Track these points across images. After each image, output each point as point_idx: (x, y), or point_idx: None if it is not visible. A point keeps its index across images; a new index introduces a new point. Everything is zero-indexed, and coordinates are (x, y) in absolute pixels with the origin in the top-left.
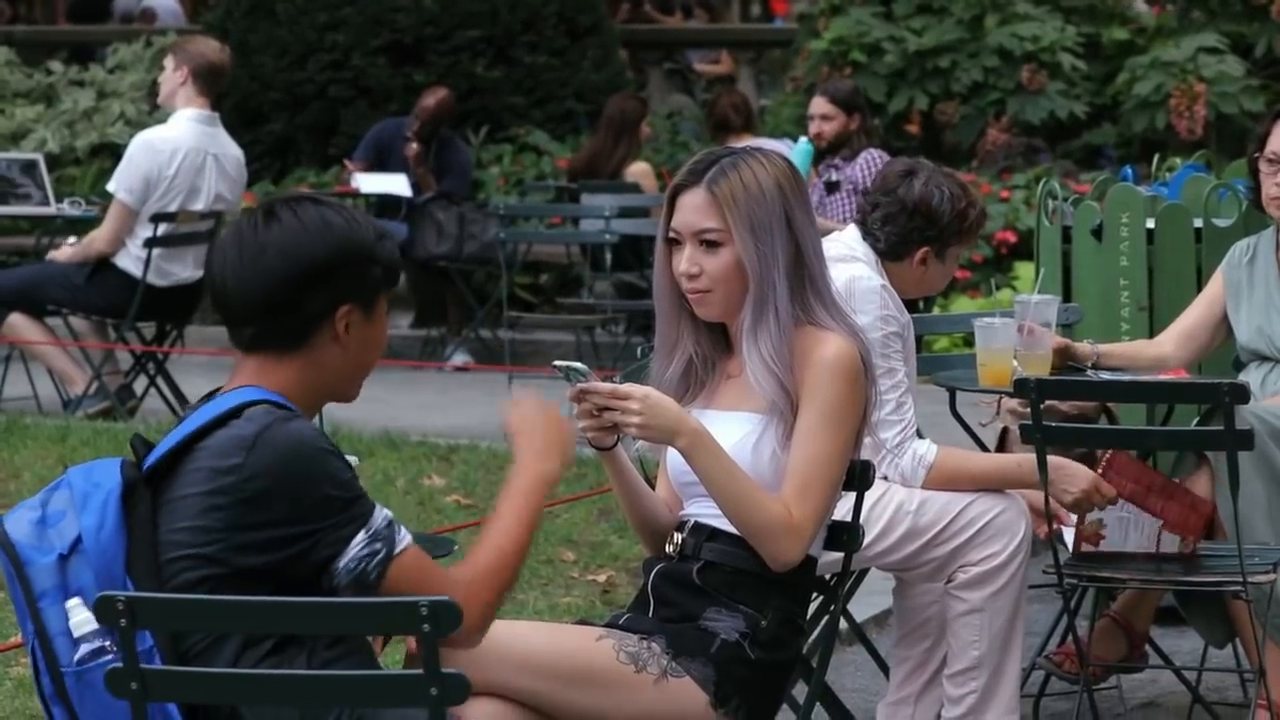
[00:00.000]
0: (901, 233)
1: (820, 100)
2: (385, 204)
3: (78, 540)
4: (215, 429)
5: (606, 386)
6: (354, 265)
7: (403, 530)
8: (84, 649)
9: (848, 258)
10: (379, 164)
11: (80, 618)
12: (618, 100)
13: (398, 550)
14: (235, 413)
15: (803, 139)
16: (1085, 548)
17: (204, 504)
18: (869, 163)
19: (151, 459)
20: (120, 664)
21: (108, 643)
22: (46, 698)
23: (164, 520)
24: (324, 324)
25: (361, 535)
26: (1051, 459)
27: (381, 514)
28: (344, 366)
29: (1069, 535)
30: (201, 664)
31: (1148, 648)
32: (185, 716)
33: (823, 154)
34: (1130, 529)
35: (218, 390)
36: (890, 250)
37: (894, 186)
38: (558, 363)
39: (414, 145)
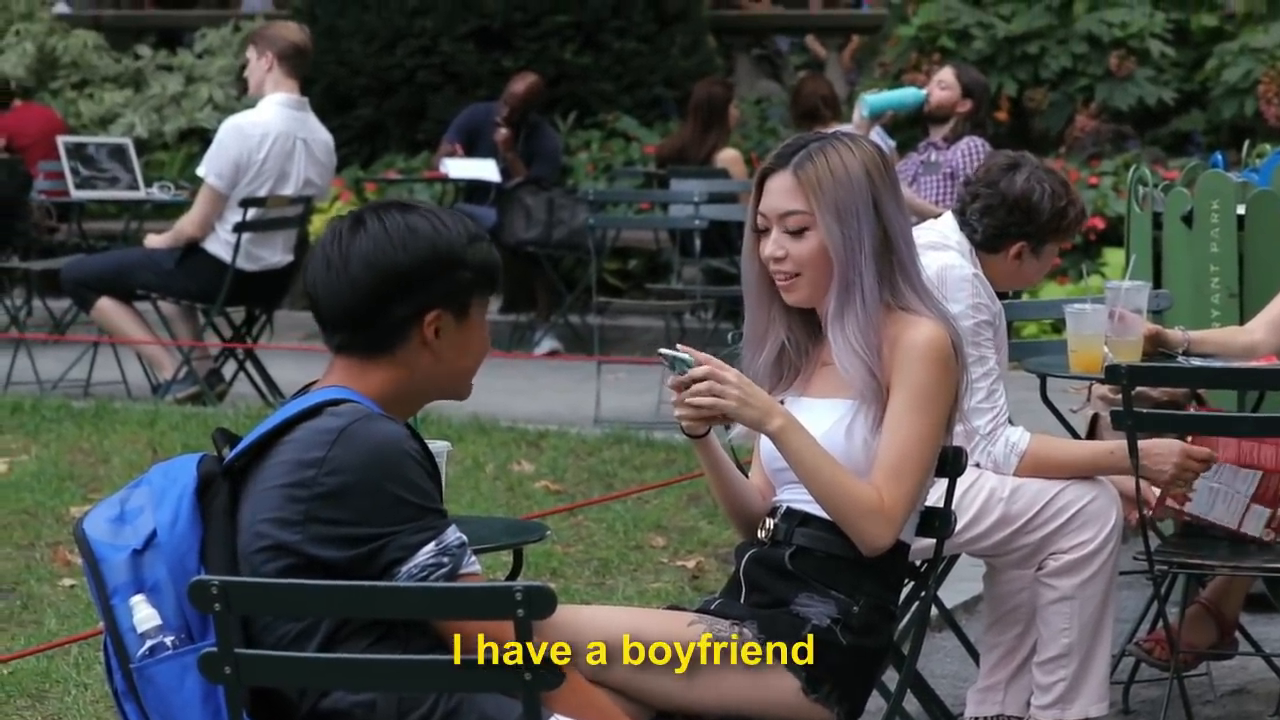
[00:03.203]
0: (999, 226)
1: (949, 70)
2: (474, 189)
3: (152, 535)
4: (301, 422)
5: (704, 366)
6: (439, 271)
7: (473, 558)
8: (146, 645)
9: (940, 245)
10: (468, 149)
11: (143, 614)
12: (704, 86)
13: (463, 570)
14: (321, 408)
15: (924, 91)
16: (1170, 504)
17: (285, 495)
18: (970, 150)
19: (234, 453)
20: (193, 663)
21: (168, 639)
22: (119, 694)
23: (246, 512)
24: (410, 331)
25: (431, 546)
26: (1142, 442)
27: (456, 534)
28: (438, 370)
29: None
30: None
31: (1238, 634)
32: (253, 711)
33: (924, 120)
34: (1218, 500)
35: (312, 385)
36: (986, 242)
37: (996, 179)
38: (663, 350)
39: (503, 131)
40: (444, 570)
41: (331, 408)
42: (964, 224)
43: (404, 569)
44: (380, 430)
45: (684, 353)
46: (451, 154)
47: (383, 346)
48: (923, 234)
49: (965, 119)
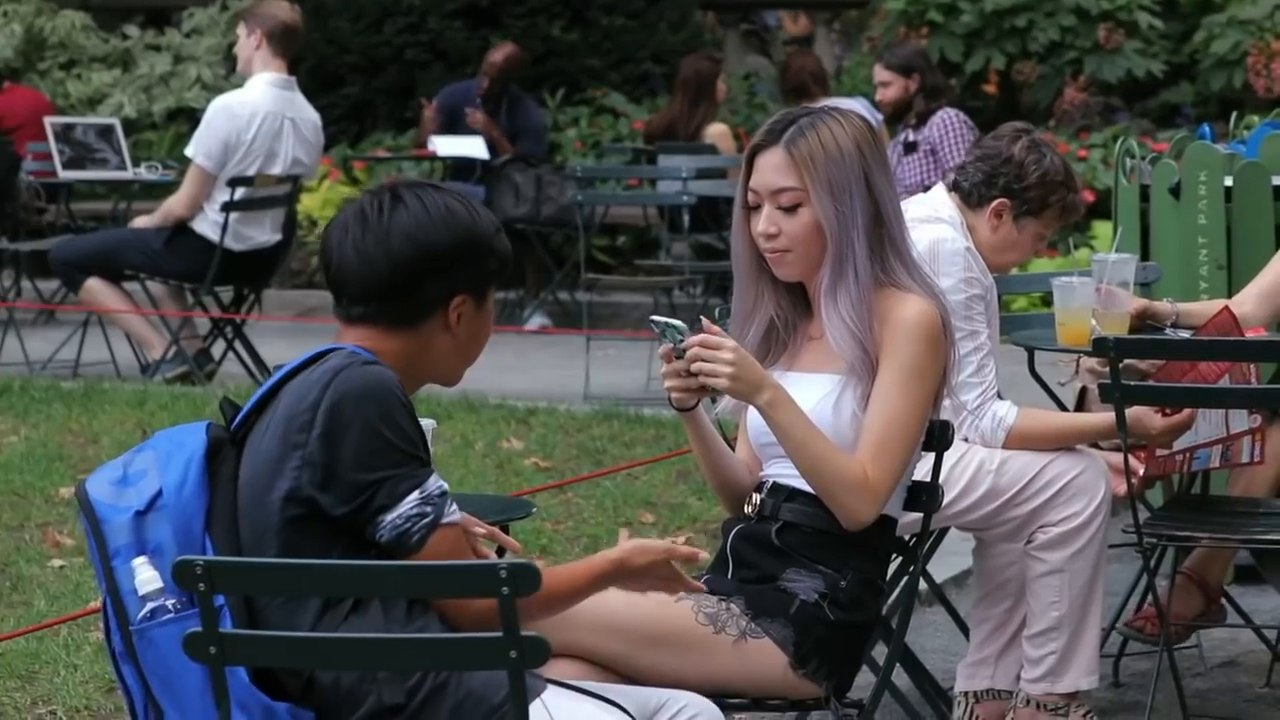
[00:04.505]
0: (987, 175)
1: (877, 68)
2: (459, 167)
3: (157, 496)
4: (294, 377)
5: (697, 336)
6: (474, 257)
7: (454, 506)
8: (147, 607)
9: (932, 219)
10: (449, 127)
11: (145, 576)
12: (691, 61)
13: (445, 520)
14: (315, 360)
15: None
16: (1159, 453)
17: (285, 443)
18: (945, 122)
19: (239, 418)
20: (195, 627)
21: (170, 602)
22: (117, 656)
23: (248, 467)
24: (437, 312)
25: (415, 495)
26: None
27: (437, 482)
28: (449, 354)
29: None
30: (277, 628)
31: (1228, 606)
32: (256, 680)
33: (892, 121)
34: (1200, 421)
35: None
36: (972, 191)
37: (1003, 135)
38: (655, 318)
39: (479, 114)
40: (427, 520)
41: (328, 354)
42: (957, 181)
43: (388, 518)
44: (373, 373)
45: (677, 321)
46: (434, 130)
47: (406, 323)
48: (914, 208)
49: (919, 93)
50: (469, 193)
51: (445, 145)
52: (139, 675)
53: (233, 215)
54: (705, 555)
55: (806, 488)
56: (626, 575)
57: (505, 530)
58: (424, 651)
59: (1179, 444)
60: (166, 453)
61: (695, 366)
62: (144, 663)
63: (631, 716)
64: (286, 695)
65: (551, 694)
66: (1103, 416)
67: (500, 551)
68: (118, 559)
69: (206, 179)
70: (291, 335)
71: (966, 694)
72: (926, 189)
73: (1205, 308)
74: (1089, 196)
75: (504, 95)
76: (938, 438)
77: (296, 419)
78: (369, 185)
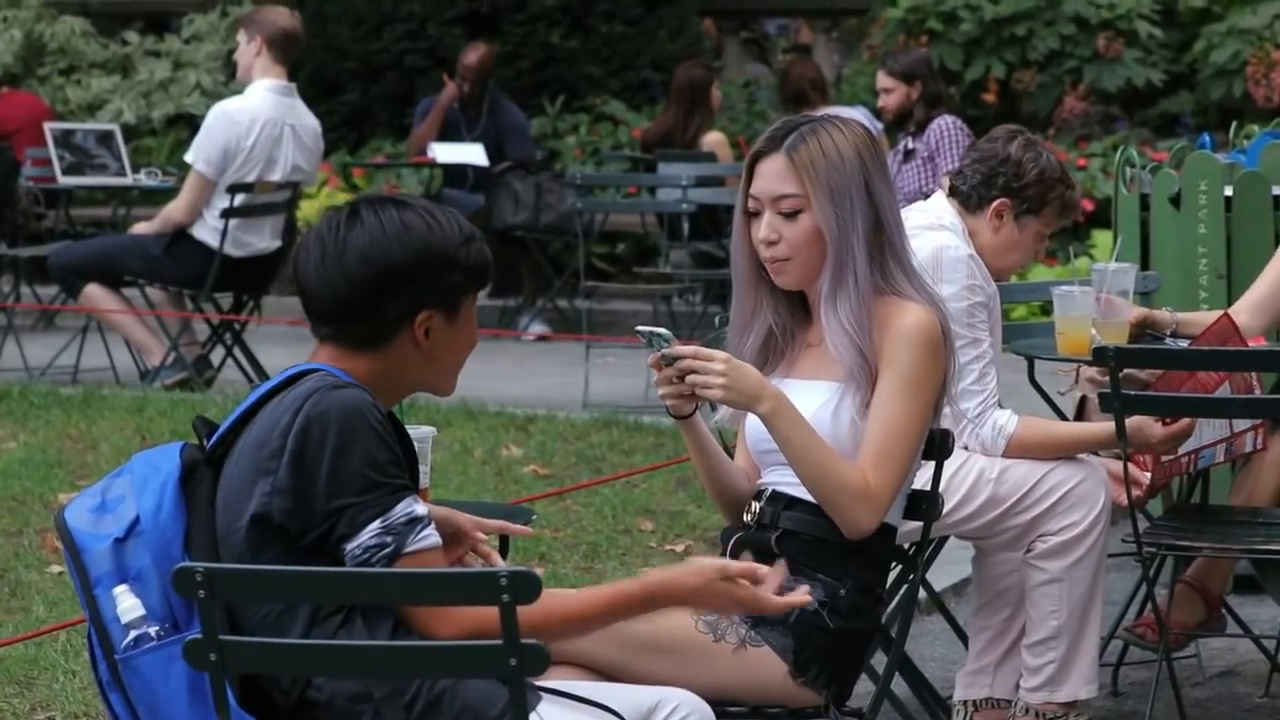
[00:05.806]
0: (986, 176)
1: (880, 74)
2: (452, 175)
3: (135, 523)
4: (271, 398)
5: (690, 349)
6: (433, 271)
7: (425, 532)
8: (131, 635)
9: (935, 226)
10: (443, 135)
11: (126, 604)
12: (685, 70)
13: (408, 549)
14: (291, 380)
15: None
16: (1163, 459)
17: (257, 469)
18: (941, 129)
19: (214, 439)
20: (178, 655)
21: (153, 629)
22: (103, 684)
23: (223, 493)
24: (402, 328)
25: (376, 525)
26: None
27: (404, 509)
28: (425, 367)
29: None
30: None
31: (1227, 616)
32: (245, 704)
33: (893, 128)
34: (1203, 426)
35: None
36: (972, 193)
37: (998, 137)
38: (640, 328)
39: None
40: (387, 551)
41: (301, 378)
42: (956, 185)
43: (348, 547)
44: (344, 397)
45: (662, 329)
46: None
47: (371, 342)
48: (916, 215)
49: (920, 101)
50: (461, 202)
51: (445, 152)
52: (126, 702)
53: (232, 221)
54: (764, 570)
55: (806, 495)
56: (673, 600)
57: (505, 541)
58: (424, 658)
59: (1183, 448)
60: (143, 477)
61: (690, 379)
62: (131, 690)
63: None
64: (278, 718)
65: (545, 704)
66: (1103, 426)
67: (504, 547)
68: (100, 587)
69: (206, 185)
70: (291, 342)
71: (965, 703)
72: (925, 196)
73: (1205, 317)
74: (1088, 205)
75: (484, 96)
76: (938, 446)
77: (267, 446)
78: (367, 191)
